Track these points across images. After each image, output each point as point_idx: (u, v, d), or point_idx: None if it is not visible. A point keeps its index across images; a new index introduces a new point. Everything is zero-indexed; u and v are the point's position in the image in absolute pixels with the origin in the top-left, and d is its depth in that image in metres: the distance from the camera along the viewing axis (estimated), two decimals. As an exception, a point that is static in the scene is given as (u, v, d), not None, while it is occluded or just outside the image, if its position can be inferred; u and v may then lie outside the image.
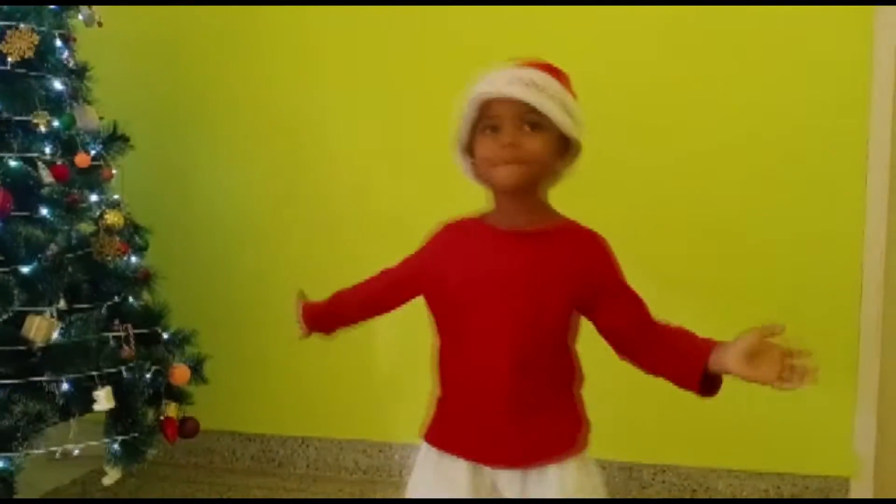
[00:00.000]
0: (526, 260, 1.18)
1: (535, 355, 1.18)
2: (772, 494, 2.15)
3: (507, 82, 1.13)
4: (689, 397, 2.25)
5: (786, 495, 2.15)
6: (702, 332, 2.17)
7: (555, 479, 1.19)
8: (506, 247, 1.20)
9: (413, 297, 1.35)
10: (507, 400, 1.18)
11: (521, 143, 1.14)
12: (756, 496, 2.16)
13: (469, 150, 1.22)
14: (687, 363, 1.20)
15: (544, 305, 1.17)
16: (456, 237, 1.28)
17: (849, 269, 2.06)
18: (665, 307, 2.14)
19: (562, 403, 1.24)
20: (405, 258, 1.36)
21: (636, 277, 2.14)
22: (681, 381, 1.23)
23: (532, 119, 1.14)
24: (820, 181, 2.06)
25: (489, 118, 1.16)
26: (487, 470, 1.22)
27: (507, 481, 1.21)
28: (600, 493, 1.23)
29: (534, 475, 1.20)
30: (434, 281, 1.25)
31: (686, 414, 2.16)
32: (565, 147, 1.20)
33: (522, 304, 1.17)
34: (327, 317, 1.49)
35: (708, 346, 1.19)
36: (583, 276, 1.19)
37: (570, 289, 1.18)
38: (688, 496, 2.20)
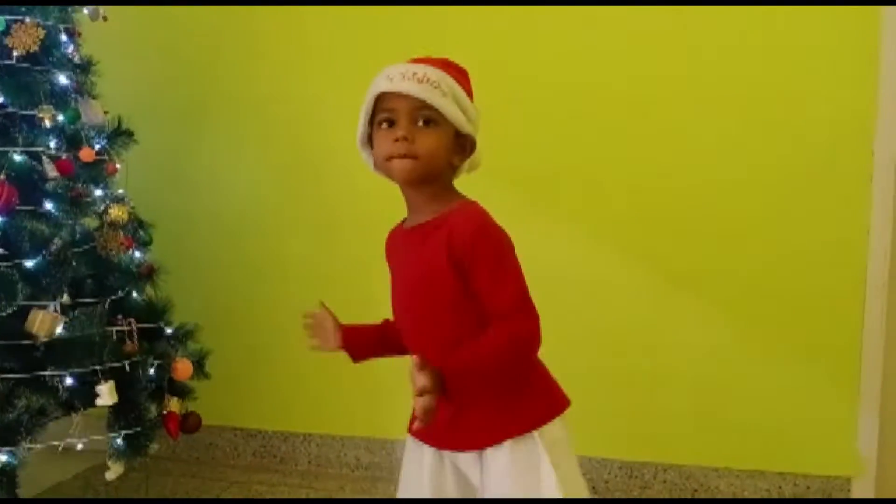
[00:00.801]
0: (420, 252, 1.21)
1: (457, 339, 1.16)
2: (773, 494, 2.15)
3: (402, 77, 1.16)
4: (690, 397, 2.26)
5: (787, 495, 2.15)
6: (708, 331, 2.20)
7: (500, 456, 1.18)
8: (410, 244, 1.25)
9: None
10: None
11: (415, 137, 1.16)
12: (757, 496, 2.16)
13: (370, 142, 1.25)
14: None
15: (442, 289, 1.18)
16: (389, 244, 1.35)
17: (853, 270, 2.06)
18: (672, 307, 2.16)
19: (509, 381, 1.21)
20: None
21: (644, 277, 2.16)
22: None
23: (426, 115, 1.16)
24: (825, 182, 2.06)
25: (385, 111, 1.18)
26: (447, 452, 1.24)
27: (465, 462, 1.23)
28: (544, 471, 1.18)
29: (489, 453, 1.19)
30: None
31: (687, 413, 2.17)
32: (461, 143, 1.22)
33: (423, 294, 1.21)
34: (375, 342, 1.42)
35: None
36: (455, 250, 1.16)
37: (451, 265, 1.17)
38: (689, 496, 2.20)
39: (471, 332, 1.15)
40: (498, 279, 1.16)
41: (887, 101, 2.00)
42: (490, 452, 1.19)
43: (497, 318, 1.15)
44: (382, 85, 1.18)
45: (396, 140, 1.16)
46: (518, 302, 1.15)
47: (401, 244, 1.30)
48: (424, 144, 1.17)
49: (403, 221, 1.31)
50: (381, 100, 1.19)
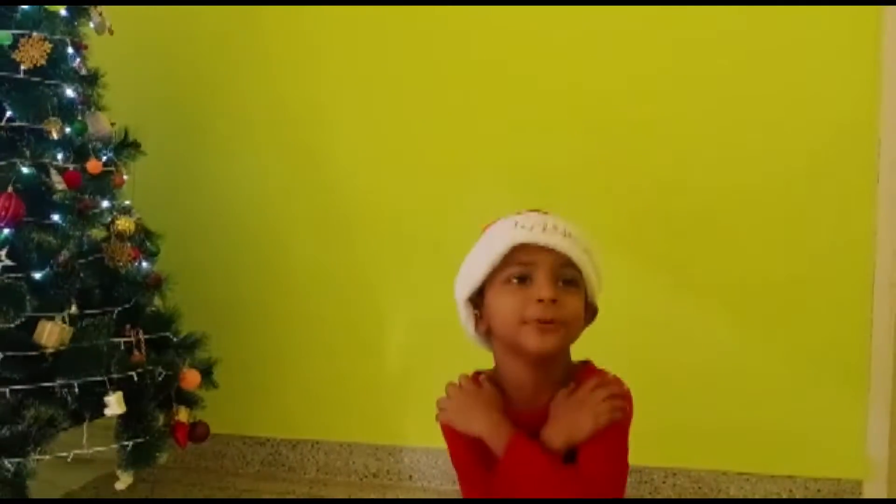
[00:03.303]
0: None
1: None
2: (784, 497, 2.14)
3: (542, 229, 1.00)
4: (700, 401, 2.25)
5: (798, 497, 2.13)
6: (715, 331, 2.19)
7: None
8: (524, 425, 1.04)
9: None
10: None
11: (561, 300, 0.99)
12: (768, 499, 2.15)
13: (476, 303, 1.06)
14: None
15: None
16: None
17: (860, 270, 2.05)
18: (679, 310, 2.16)
19: None
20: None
21: (648, 279, 2.16)
22: None
23: (568, 275, 1.01)
24: (830, 184, 2.05)
25: (519, 265, 1.00)
26: None
27: None
28: None
29: None
30: None
31: (697, 417, 2.16)
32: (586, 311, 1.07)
33: None
34: None
35: None
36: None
37: None
38: (699, 499, 2.19)
39: None
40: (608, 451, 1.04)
41: (891, 102, 1.99)
42: None
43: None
44: (520, 235, 1.00)
45: (540, 301, 0.98)
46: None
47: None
48: (571, 309, 1.00)
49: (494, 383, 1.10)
50: (513, 253, 1.01)
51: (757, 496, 2.15)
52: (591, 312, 1.09)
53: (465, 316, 1.09)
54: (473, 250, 1.08)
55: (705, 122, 2.11)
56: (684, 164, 2.13)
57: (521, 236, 1.00)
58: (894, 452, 2.08)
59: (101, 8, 2.00)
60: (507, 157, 2.21)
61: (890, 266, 2.03)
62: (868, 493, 2.09)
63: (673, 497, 2.20)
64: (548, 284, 0.98)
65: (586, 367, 1.10)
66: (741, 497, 2.16)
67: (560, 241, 0.99)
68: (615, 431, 1.04)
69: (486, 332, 1.07)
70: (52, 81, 1.85)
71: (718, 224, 2.13)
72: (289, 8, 2.34)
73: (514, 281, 1.01)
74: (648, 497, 2.22)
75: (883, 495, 2.08)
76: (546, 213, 1.07)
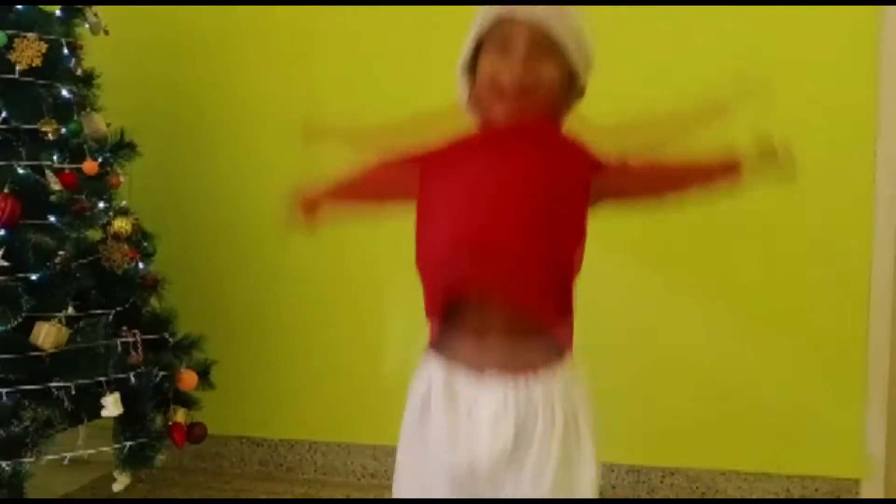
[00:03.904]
0: (531, 152, 1.07)
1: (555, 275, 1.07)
2: (781, 496, 2.14)
3: (528, 4, 1.05)
4: (696, 400, 2.25)
5: (795, 497, 2.14)
6: (714, 334, 2.19)
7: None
8: (508, 142, 1.08)
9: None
10: None
11: (532, 65, 1.03)
12: (765, 498, 2.15)
13: (471, 71, 1.11)
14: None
15: (567, 196, 1.08)
16: (449, 151, 1.13)
17: (858, 269, 2.05)
18: (677, 310, 2.16)
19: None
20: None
21: (643, 278, 2.16)
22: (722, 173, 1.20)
23: (546, 44, 1.04)
24: (829, 179, 2.05)
25: (500, 37, 1.05)
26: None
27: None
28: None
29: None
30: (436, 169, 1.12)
31: (694, 416, 2.16)
32: (569, 87, 1.11)
33: (536, 198, 1.06)
34: (337, 192, 1.32)
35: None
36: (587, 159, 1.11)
37: (582, 176, 1.09)
38: (696, 498, 2.19)
39: (566, 280, 1.06)
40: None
41: (889, 102, 1.99)
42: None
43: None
44: (504, 9, 1.05)
45: (515, 62, 1.02)
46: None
47: (483, 144, 1.10)
48: (544, 75, 1.04)
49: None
50: (495, 26, 1.06)
51: (755, 495, 2.16)
52: (577, 90, 1.13)
53: (460, 84, 1.13)
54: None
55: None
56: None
57: (505, 10, 1.05)
58: (892, 451, 2.08)
59: (96, 8, 2.00)
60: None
61: (887, 266, 2.03)
62: (865, 492, 2.10)
63: (671, 497, 2.20)
64: (521, 48, 1.03)
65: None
66: (738, 496, 2.17)
67: (540, 12, 1.03)
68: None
69: (476, 103, 1.11)
70: (48, 82, 1.85)
71: (715, 226, 2.13)
72: (286, 8, 2.34)
73: (497, 47, 1.06)
74: (646, 497, 2.22)
75: (880, 494, 2.09)
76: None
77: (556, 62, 1.06)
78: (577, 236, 1.11)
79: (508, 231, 1.04)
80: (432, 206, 1.11)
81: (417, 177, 1.13)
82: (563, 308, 1.09)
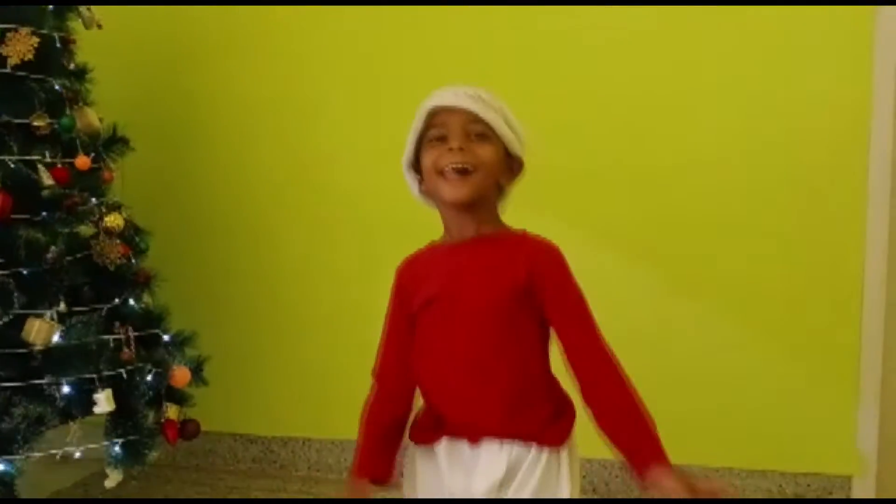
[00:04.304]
0: (485, 275, 1.16)
1: (521, 387, 1.17)
2: (774, 493, 2.15)
3: (453, 95, 1.15)
4: (689, 397, 2.25)
5: (788, 494, 2.14)
6: (706, 331, 2.19)
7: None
8: (459, 253, 1.19)
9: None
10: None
11: (470, 148, 1.14)
12: (758, 496, 2.16)
13: (415, 166, 1.21)
14: (635, 451, 1.15)
15: (516, 319, 1.16)
16: (415, 270, 1.25)
17: (851, 268, 2.06)
18: (670, 307, 2.16)
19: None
20: (383, 327, 1.32)
21: (642, 278, 2.16)
22: (622, 453, 1.16)
23: (478, 129, 1.15)
24: (822, 179, 2.06)
25: (436, 127, 1.16)
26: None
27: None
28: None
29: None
30: (414, 310, 1.23)
31: (687, 413, 2.16)
32: (509, 165, 1.20)
33: (492, 324, 1.15)
34: (383, 451, 1.29)
35: (639, 462, 1.13)
36: (532, 279, 1.16)
37: (529, 292, 1.15)
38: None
39: (532, 380, 1.17)
40: (583, 311, 1.20)
41: (882, 100, 2.00)
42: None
43: (583, 353, 1.17)
44: (434, 101, 1.16)
45: (450, 149, 1.13)
46: (599, 335, 1.20)
47: (445, 264, 1.20)
48: (480, 155, 1.14)
49: (432, 246, 1.25)
50: (431, 118, 1.17)
51: (747, 491, 2.16)
52: (517, 165, 1.21)
53: (409, 179, 1.24)
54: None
55: (695, 124, 2.11)
56: (676, 166, 2.13)
57: (434, 101, 1.16)
58: (883, 448, 2.09)
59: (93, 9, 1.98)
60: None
61: (880, 263, 2.04)
62: (857, 489, 2.11)
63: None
64: (457, 136, 1.14)
65: (521, 233, 1.22)
66: (732, 494, 2.17)
67: (467, 101, 1.14)
68: (564, 273, 1.19)
69: (427, 192, 1.21)
70: (40, 76, 1.83)
71: (710, 224, 2.13)
72: (277, 6, 2.33)
73: (435, 141, 1.16)
74: (638, 494, 2.22)
75: (872, 491, 2.09)
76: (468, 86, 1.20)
77: (491, 144, 1.16)
78: (544, 347, 1.21)
79: (482, 391, 1.16)
80: (422, 357, 1.24)
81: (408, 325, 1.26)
82: (550, 413, 1.19)
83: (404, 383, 1.27)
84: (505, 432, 1.16)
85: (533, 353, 1.18)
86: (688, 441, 2.17)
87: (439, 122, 1.16)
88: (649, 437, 1.15)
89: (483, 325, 1.15)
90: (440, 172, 1.14)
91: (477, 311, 1.16)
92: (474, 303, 1.16)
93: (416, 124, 1.18)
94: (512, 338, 1.16)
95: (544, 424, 1.17)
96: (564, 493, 1.17)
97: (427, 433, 1.22)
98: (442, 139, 1.15)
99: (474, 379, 1.16)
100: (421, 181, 1.21)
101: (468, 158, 1.13)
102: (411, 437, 1.26)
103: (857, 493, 2.11)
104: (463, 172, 1.13)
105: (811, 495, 2.13)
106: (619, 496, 2.21)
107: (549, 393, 1.21)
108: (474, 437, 1.17)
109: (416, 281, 1.23)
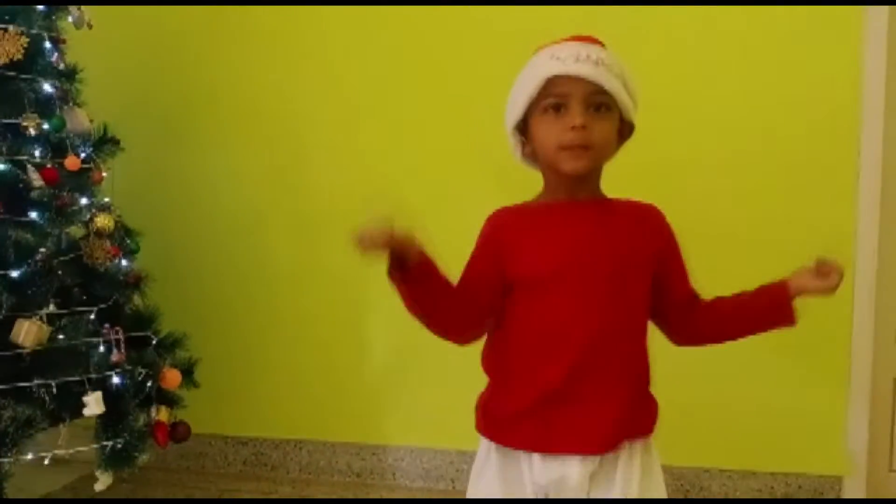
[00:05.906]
0: (608, 230, 1.16)
1: (640, 349, 1.23)
2: (765, 494, 2.16)
3: (574, 59, 1.08)
4: (680, 398, 2.25)
5: (779, 495, 2.15)
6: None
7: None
8: (577, 220, 1.15)
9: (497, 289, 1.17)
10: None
11: (591, 124, 1.08)
12: (749, 496, 2.16)
13: (522, 129, 1.16)
14: (774, 301, 1.28)
15: (642, 279, 1.19)
16: (520, 227, 1.17)
17: (840, 269, 2.06)
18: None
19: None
20: (467, 265, 1.20)
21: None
22: (773, 319, 1.29)
23: (599, 100, 1.09)
24: (812, 182, 2.07)
25: (554, 96, 1.09)
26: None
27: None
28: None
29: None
30: (514, 266, 1.14)
31: (678, 414, 2.16)
32: (620, 130, 1.16)
33: (621, 283, 1.15)
34: (431, 278, 1.17)
35: (775, 284, 1.28)
36: (658, 247, 1.21)
37: (650, 260, 1.19)
38: (681, 496, 2.20)
39: (641, 343, 1.21)
40: (684, 264, 1.27)
41: (871, 102, 2.01)
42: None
43: (697, 298, 1.29)
44: (554, 67, 1.08)
45: (573, 128, 1.07)
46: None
47: (564, 231, 1.14)
48: (601, 134, 1.09)
49: (529, 205, 1.19)
50: (549, 83, 1.09)
51: (738, 492, 2.17)
52: (628, 129, 1.18)
53: (513, 142, 1.18)
54: (517, 80, 1.16)
55: (686, 124, 2.12)
56: (665, 167, 2.13)
57: (555, 68, 1.08)
58: (874, 449, 2.11)
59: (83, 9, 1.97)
60: (493, 154, 2.19)
61: (870, 264, 2.05)
62: (848, 489, 2.12)
63: (656, 494, 2.21)
64: (579, 113, 1.07)
65: (619, 198, 1.24)
66: (723, 494, 2.18)
67: (591, 70, 1.07)
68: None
69: (531, 155, 1.17)
70: (30, 76, 1.82)
71: (699, 225, 2.13)
72: (267, 8, 2.32)
73: (551, 110, 1.10)
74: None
75: (862, 491, 2.10)
76: (583, 39, 1.14)
77: (610, 115, 1.12)
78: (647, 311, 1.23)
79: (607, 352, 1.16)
80: (532, 327, 1.16)
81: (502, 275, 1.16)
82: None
83: (479, 303, 1.17)
84: (625, 414, 1.17)
85: (646, 320, 1.22)
86: (678, 442, 2.18)
87: (557, 91, 1.08)
88: (758, 287, 1.29)
89: (619, 293, 1.14)
90: (561, 146, 1.09)
91: (613, 279, 1.13)
92: (611, 271, 1.13)
93: (529, 89, 1.10)
94: (640, 306, 1.18)
95: (654, 410, 1.25)
96: (660, 480, 1.23)
97: (516, 436, 1.17)
98: (558, 109, 1.09)
99: (605, 348, 1.14)
100: (525, 144, 1.17)
101: (590, 137, 1.08)
102: (493, 437, 1.20)
103: (847, 494, 2.12)
104: (584, 147, 1.09)
105: (802, 496, 2.14)
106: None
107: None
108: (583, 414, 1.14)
109: (520, 242, 1.15)
